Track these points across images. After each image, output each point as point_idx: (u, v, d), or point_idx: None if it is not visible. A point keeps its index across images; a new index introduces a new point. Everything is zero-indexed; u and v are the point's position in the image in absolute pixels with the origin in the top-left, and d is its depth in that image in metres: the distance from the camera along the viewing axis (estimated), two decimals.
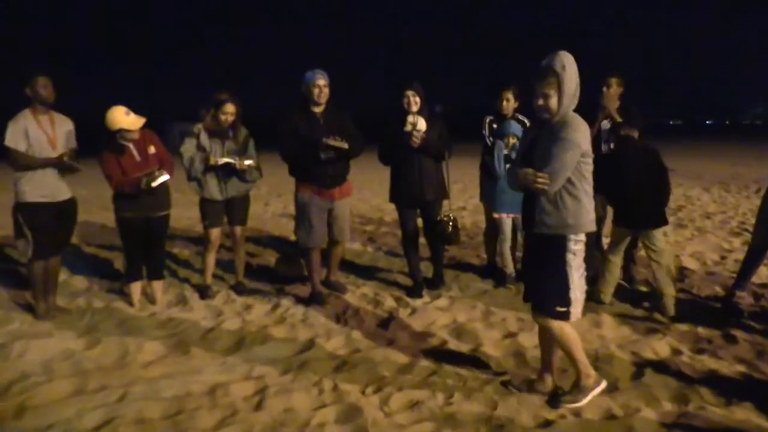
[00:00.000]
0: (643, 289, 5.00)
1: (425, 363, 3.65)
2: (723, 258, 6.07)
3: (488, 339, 4.03)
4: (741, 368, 3.53)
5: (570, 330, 3.07)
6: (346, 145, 4.51)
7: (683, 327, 4.17)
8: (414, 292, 4.96)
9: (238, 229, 5.01)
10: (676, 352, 3.78)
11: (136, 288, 4.70)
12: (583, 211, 2.96)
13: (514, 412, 3.06)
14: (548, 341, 3.23)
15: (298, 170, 4.68)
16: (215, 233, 4.92)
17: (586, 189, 2.96)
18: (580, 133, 2.88)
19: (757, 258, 4.56)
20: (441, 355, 3.78)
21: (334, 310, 4.65)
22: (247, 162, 4.77)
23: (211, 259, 5.02)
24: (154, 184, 4.32)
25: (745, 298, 4.72)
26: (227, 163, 4.71)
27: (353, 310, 4.63)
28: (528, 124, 5.16)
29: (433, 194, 4.88)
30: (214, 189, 4.78)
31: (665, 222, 4.48)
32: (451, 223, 4.87)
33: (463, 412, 3.05)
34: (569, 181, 2.90)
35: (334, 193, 4.72)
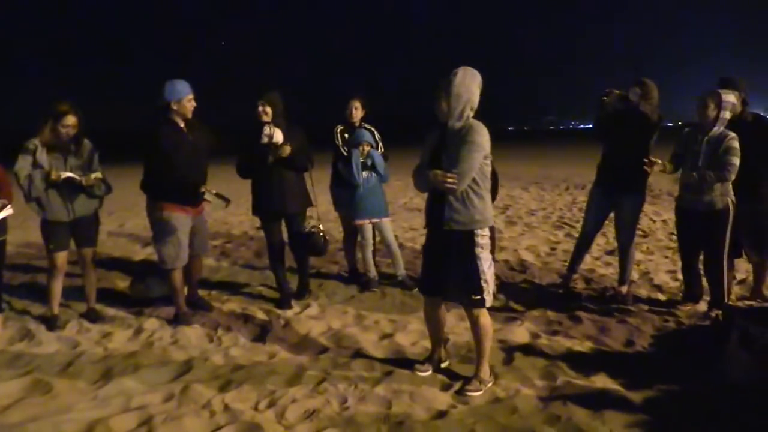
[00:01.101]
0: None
1: (312, 372, 3.66)
2: (553, 249, 6.81)
3: (367, 342, 4.14)
4: (589, 344, 4.02)
5: (489, 322, 3.39)
6: (223, 203, 4.52)
7: (535, 313, 4.63)
8: (284, 303, 4.93)
9: (88, 252, 4.60)
10: (535, 335, 4.20)
11: None
12: (487, 207, 3.27)
13: (408, 407, 3.20)
14: (437, 327, 3.59)
15: (163, 190, 4.39)
16: (62, 258, 4.48)
17: (486, 187, 3.27)
18: (484, 138, 3.18)
19: (586, 244, 5.20)
20: (325, 362, 3.82)
21: (204, 329, 4.46)
22: (94, 176, 4.40)
23: (57, 286, 4.55)
24: None
25: (578, 282, 5.38)
26: (70, 179, 4.29)
27: (225, 328, 4.48)
28: (374, 132, 5.40)
29: (296, 206, 4.88)
30: (59, 209, 4.35)
31: None
32: (321, 234, 4.92)
33: (360, 414, 3.13)
34: (474, 180, 3.18)
35: (195, 210, 4.56)
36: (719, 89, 4.30)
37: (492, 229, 3.32)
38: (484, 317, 3.36)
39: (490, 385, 3.41)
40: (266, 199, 4.81)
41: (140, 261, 6.63)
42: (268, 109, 4.65)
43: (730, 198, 4.31)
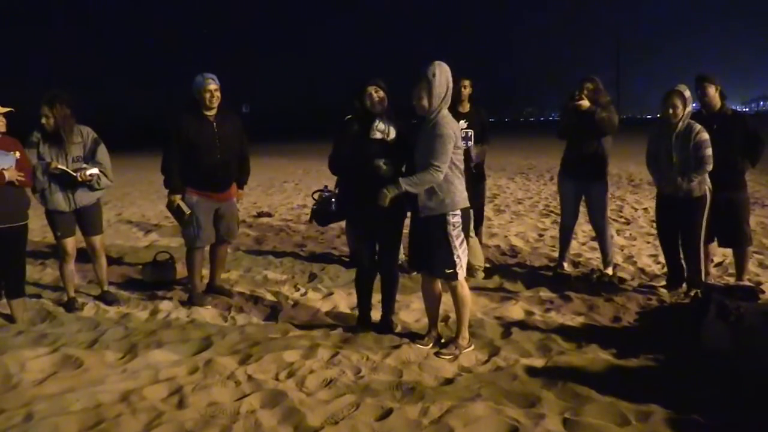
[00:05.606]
0: (487, 265, 5.71)
1: (326, 345, 3.91)
2: (541, 236, 7.14)
3: (373, 320, 4.40)
4: (580, 320, 4.34)
5: (467, 293, 3.74)
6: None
7: (528, 293, 4.95)
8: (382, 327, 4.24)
9: (96, 239, 4.79)
10: (529, 313, 4.51)
11: None
12: (457, 192, 3.61)
13: (418, 376, 3.48)
14: (432, 303, 3.95)
15: (184, 175, 4.57)
16: (71, 243, 4.67)
17: (457, 174, 3.62)
18: (452, 129, 3.54)
19: (568, 233, 5.55)
20: (336, 338, 4.08)
21: (218, 309, 4.71)
22: (90, 172, 4.50)
23: (70, 271, 4.77)
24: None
25: (568, 265, 5.70)
26: (65, 173, 4.42)
27: (237, 308, 4.72)
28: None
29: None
30: (60, 201, 4.52)
31: None
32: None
33: (375, 382, 3.39)
34: None
35: (219, 196, 4.74)
36: (680, 86, 4.58)
37: (466, 210, 3.66)
38: (461, 288, 3.73)
39: (468, 350, 3.76)
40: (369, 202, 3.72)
41: (145, 247, 6.84)
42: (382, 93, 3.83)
43: (707, 186, 4.62)
